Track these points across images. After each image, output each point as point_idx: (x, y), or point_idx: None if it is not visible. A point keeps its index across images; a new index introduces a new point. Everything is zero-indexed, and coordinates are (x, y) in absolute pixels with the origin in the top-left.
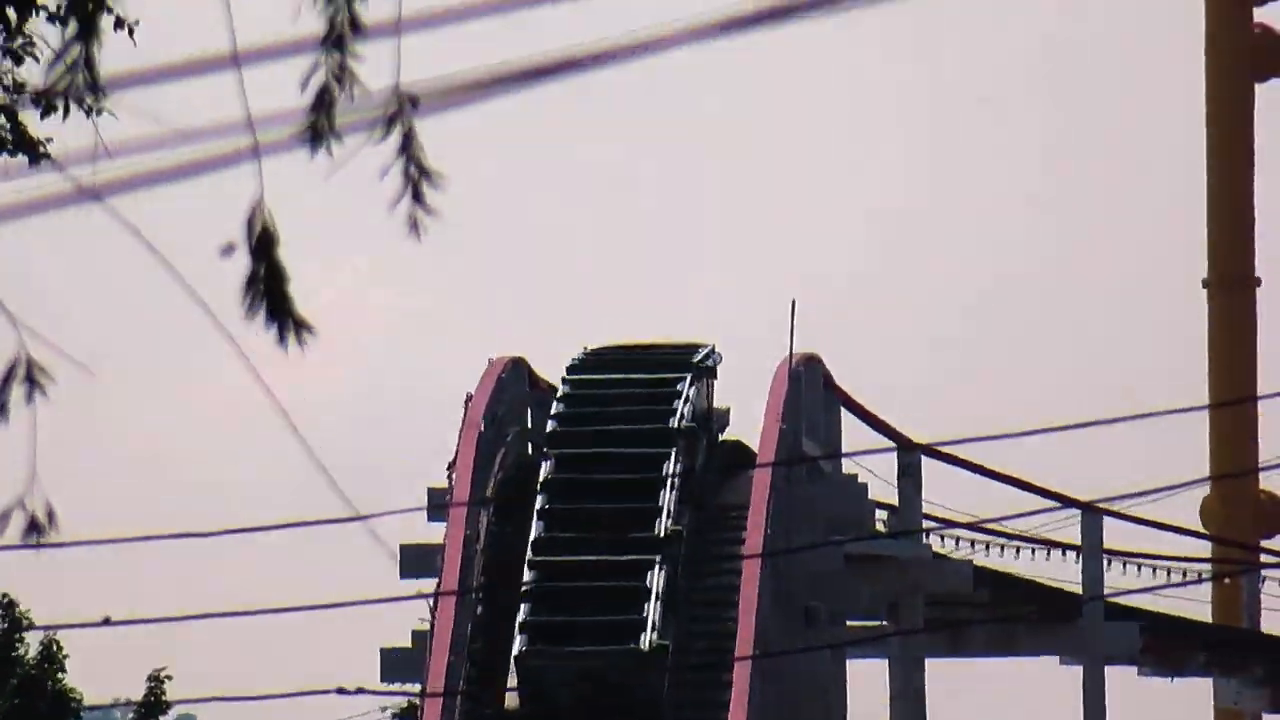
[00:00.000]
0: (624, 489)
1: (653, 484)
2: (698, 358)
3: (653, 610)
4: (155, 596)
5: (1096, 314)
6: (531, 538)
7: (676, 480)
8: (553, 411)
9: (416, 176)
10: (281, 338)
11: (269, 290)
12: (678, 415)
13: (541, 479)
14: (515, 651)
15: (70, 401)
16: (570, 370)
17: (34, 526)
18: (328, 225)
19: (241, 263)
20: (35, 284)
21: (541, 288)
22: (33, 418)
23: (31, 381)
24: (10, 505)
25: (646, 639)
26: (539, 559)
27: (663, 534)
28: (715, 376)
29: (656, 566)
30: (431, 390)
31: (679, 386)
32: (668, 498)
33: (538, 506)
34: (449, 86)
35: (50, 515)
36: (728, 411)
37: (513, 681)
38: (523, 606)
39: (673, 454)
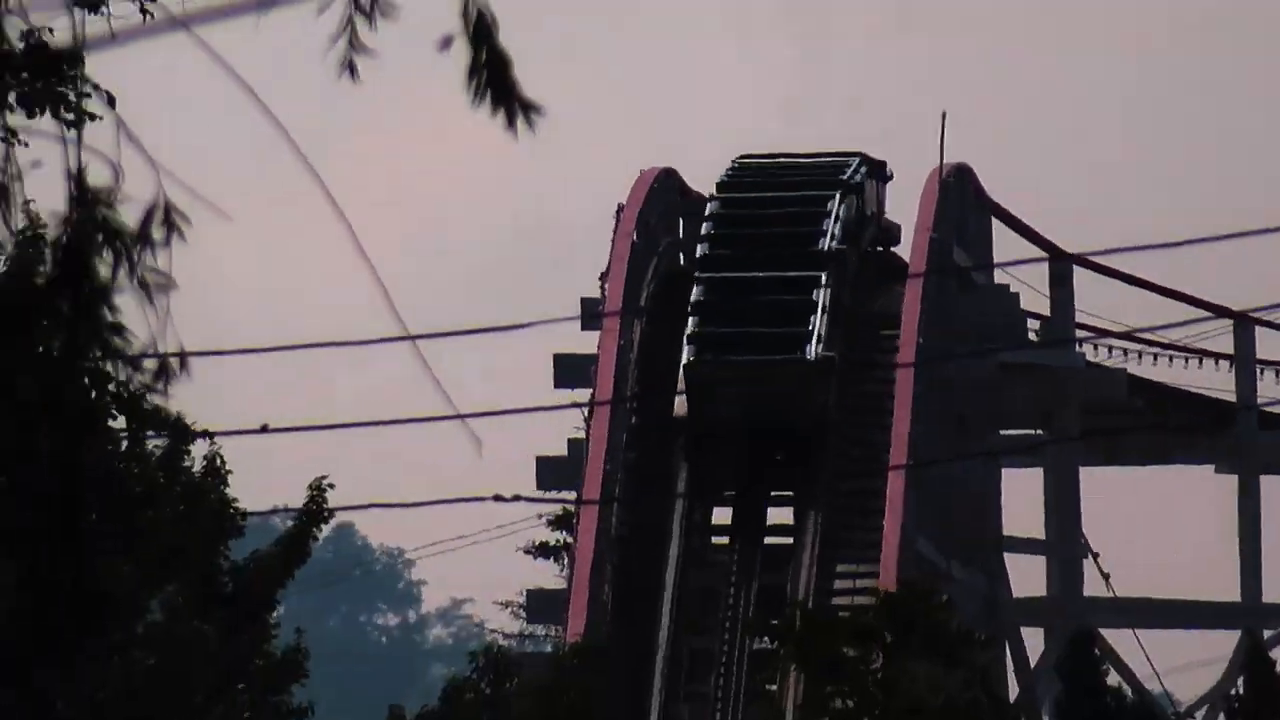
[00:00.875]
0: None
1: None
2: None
3: (819, 323)
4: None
5: (1252, 124)
6: (697, 254)
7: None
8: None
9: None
10: (510, 121)
11: (492, 76)
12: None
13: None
14: (683, 360)
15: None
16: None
17: (163, 370)
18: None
19: (459, 52)
20: (133, 113)
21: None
22: (169, 259)
23: (170, 225)
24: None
25: (813, 349)
26: (706, 275)
27: (827, 249)
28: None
29: (822, 284)
30: (584, 200)
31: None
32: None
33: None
34: None
35: (183, 359)
36: (896, 227)
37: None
38: (690, 320)
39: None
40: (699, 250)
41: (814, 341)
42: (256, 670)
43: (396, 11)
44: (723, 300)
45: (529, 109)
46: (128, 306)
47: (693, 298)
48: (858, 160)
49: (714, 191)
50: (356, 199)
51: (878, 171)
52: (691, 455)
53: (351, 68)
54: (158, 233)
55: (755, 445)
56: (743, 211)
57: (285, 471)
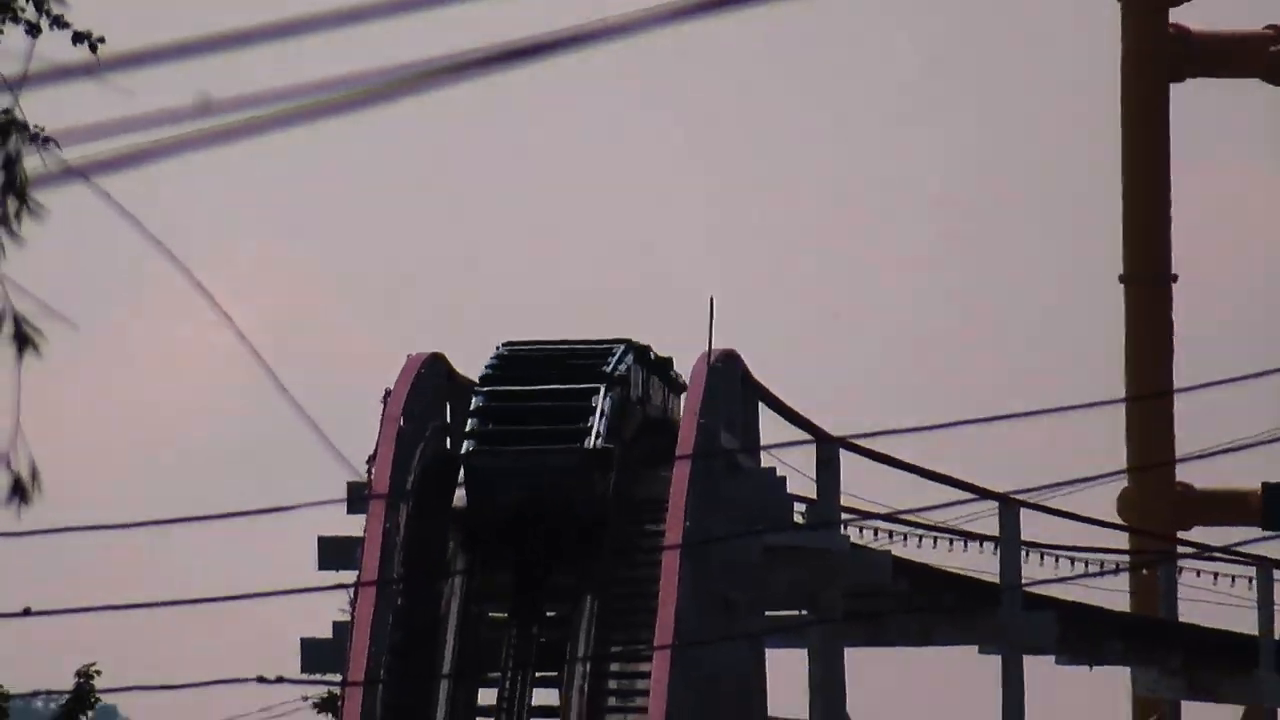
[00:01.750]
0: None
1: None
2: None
3: (599, 421)
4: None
5: (1014, 309)
6: (464, 447)
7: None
8: (468, 427)
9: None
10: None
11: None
12: (593, 434)
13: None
14: (463, 451)
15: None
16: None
17: (18, 488)
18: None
19: None
20: None
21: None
22: (16, 376)
23: (21, 338)
24: None
25: (592, 440)
26: (486, 389)
27: (610, 371)
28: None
29: (602, 393)
30: (350, 382)
31: (593, 401)
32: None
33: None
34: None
35: (34, 475)
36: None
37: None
38: (470, 421)
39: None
40: (464, 445)
41: (593, 435)
42: None
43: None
44: (501, 413)
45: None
46: None
47: (468, 426)
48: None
49: (478, 384)
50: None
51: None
52: (469, 550)
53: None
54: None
55: (533, 535)
56: (508, 404)
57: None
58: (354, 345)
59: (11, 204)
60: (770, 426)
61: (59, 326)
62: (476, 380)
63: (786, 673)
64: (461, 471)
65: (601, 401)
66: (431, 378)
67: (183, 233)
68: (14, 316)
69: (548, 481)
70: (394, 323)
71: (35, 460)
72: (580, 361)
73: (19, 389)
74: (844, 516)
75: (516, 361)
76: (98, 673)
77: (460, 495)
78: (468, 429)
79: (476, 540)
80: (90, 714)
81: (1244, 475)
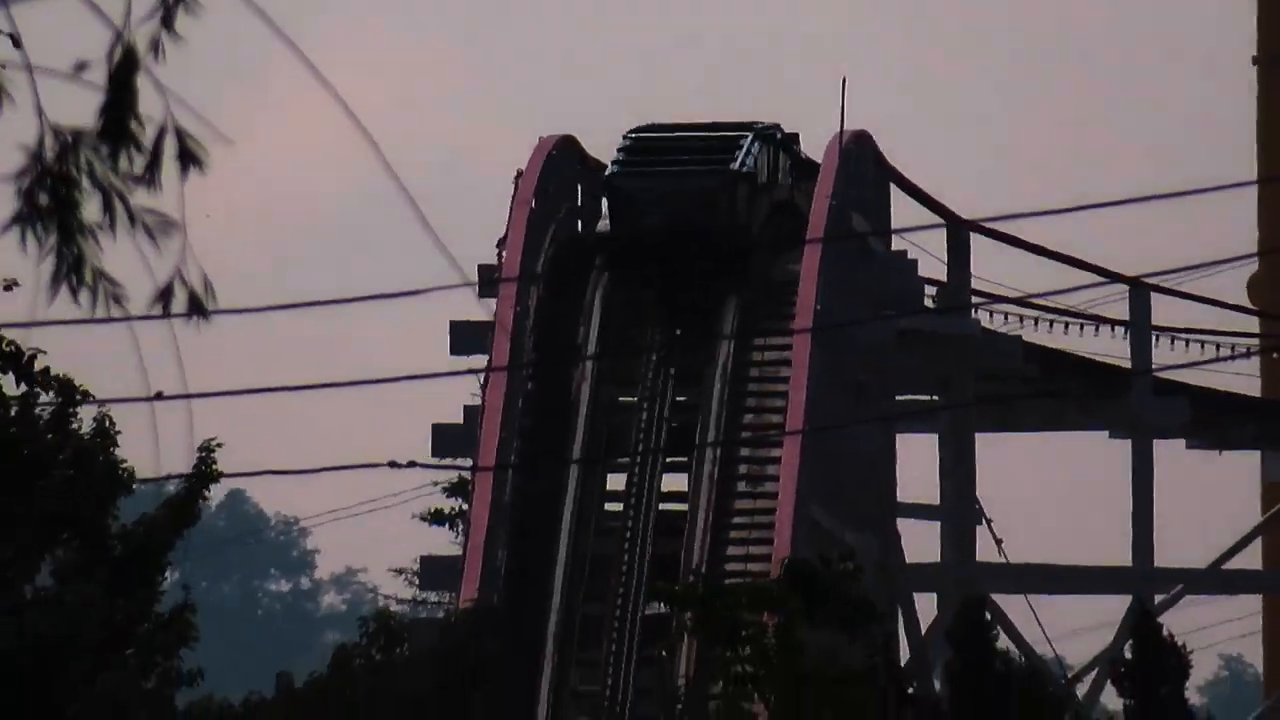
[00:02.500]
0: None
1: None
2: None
3: (746, 145)
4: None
5: (1146, 91)
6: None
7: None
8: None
9: None
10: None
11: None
12: (739, 161)
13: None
14: (606, 173)
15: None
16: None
17: (194, 303)
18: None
19: None
20: None
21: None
22: (181, 193)
23: (185, 155)
24: (170, 279)
25: (738, 160)
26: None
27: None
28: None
29: (749, 140)
30: (481, 166)
31: (741, 142)
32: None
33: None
34: None
35: (208, 288)
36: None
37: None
38: (616, 155)
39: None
40: (609, 169)
41: (741, 154)
42: (144, 633)
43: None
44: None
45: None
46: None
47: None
48: (751, 137)
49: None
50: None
51: (769, 138)
52: (612, 271)
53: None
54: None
55: (675, 258)
56: (657, 137)
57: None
58: (485, 129)
59: None
60: (903, 209)
61: (210, 135)
62: (609, 164)
63: (917, 457)
64: (606, 197)
65: (750, 143)
66: (563, 160)
67: (311, 19)
68: (176, 131)
69: (693, 205)
70: (525, 107)
71: (206, 274)
72: (718, 137)
73: (184, 205)
74: (975, 300)
75: (649, 147)
76: (219, 445)
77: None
78: (613, 159)
79: (618, 265)
80: (212, 490)
81: None
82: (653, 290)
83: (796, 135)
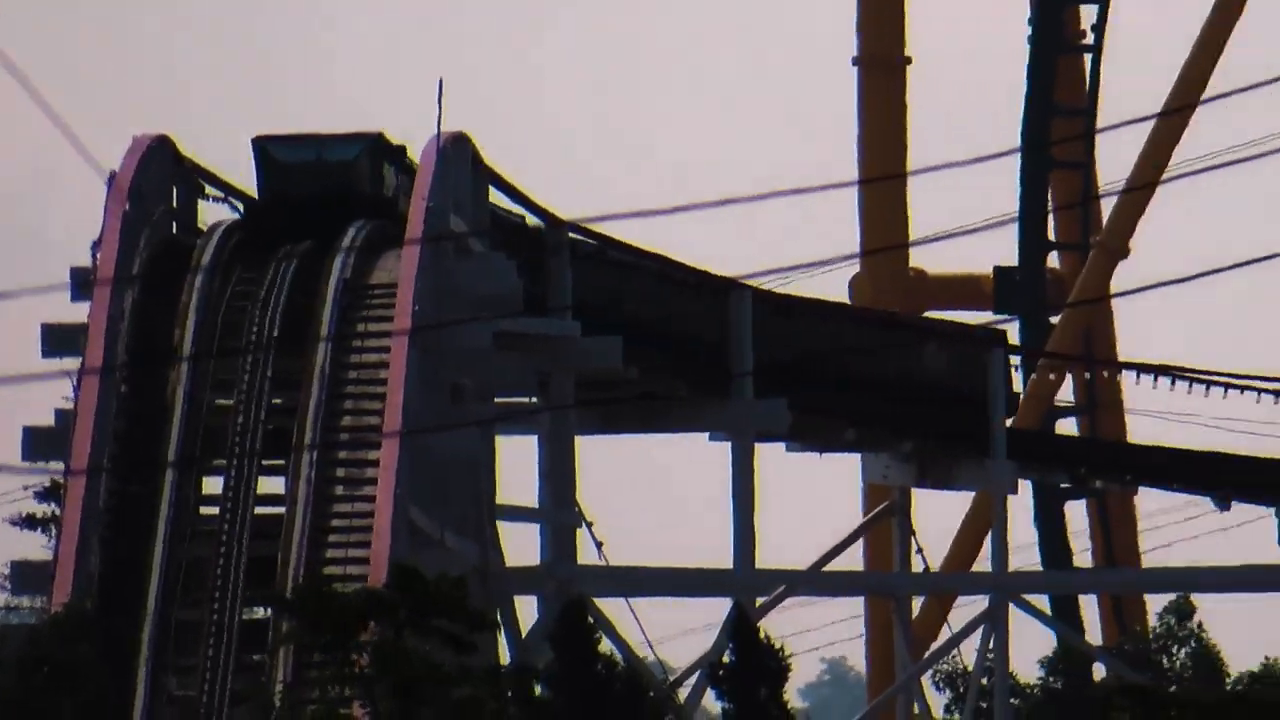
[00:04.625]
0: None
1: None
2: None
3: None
4: None
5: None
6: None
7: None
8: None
9: None
10: None
11: None
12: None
13: None
14: (254, 138)
15: None
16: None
17: None
18: None
19: None
20: None
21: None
22: None
23: None
24: None
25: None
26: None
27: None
28: (388, 157)
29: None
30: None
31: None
32: None
33: None
34: None
35: None
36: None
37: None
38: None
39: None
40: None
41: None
42: None
43: None
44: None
45: None
46: None
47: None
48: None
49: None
50: None
51: (393, 155)
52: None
53: None
54: None
55: (324, 224)
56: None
57: None
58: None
59: None
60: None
61: None
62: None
63: (518, 459)
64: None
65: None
66: (159, 160)
67: None
68: None
69: (340, 173)
70: (119, 106)
71: None
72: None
73: None
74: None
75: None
76: None
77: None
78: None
79: (265, 232)
80: None
81: (976, 259)
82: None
83: (404, 147)
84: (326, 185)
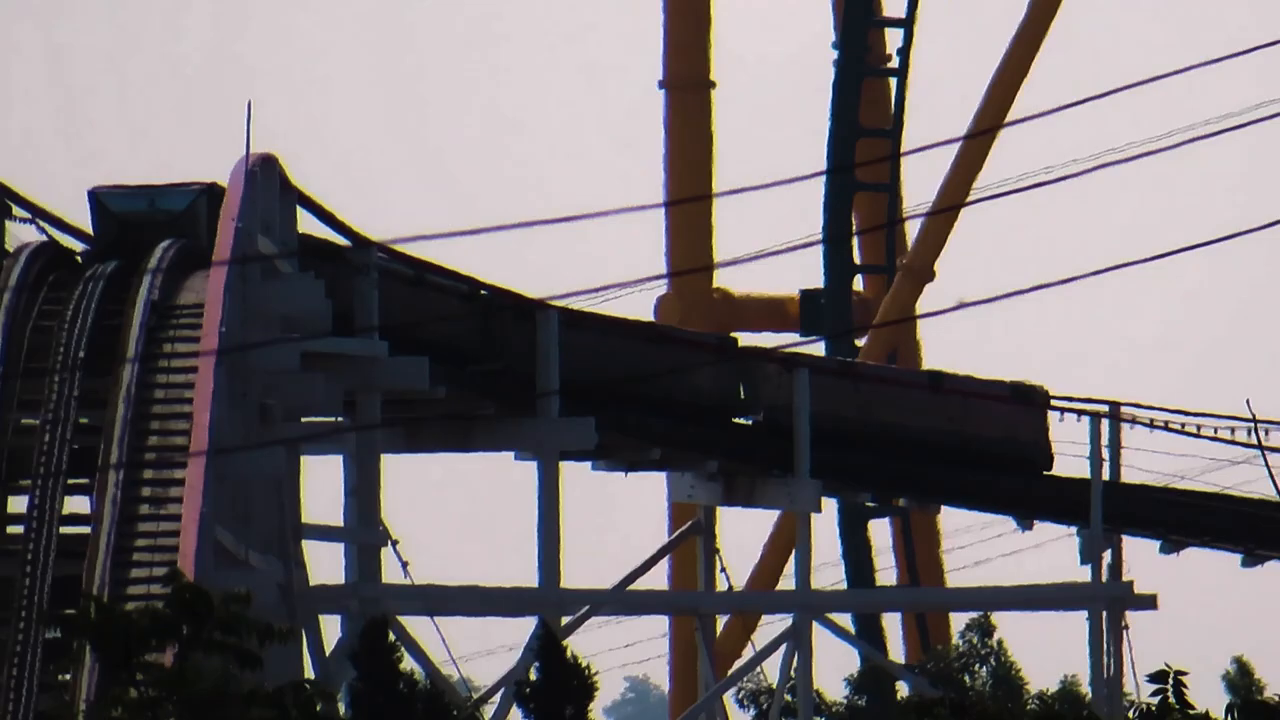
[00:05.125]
0: None
1: None
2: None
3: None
4: None
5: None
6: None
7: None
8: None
9: None
10: None
11: None
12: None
13: None
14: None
15: None
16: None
17: None
18: None
19: None
20: None
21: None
22: None
23: None
24: None
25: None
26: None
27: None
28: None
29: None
30: None
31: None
32: None
33: None
34: None
35: None
36: None
37: None
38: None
39: None
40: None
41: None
42: None
43: None
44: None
45: None
46: None
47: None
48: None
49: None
50: None
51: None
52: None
53: None
54: None
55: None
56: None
57: None
58: None
59: None
60: (312, 231)
61: None
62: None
63: (324, 479)
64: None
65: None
66: None
67: None
68: None
69: (175, 222)
70: None
71: None
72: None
73: None
74: (380, 322)
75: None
76: None
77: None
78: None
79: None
80: None
81: (783, 281)
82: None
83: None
84: (159, 234)
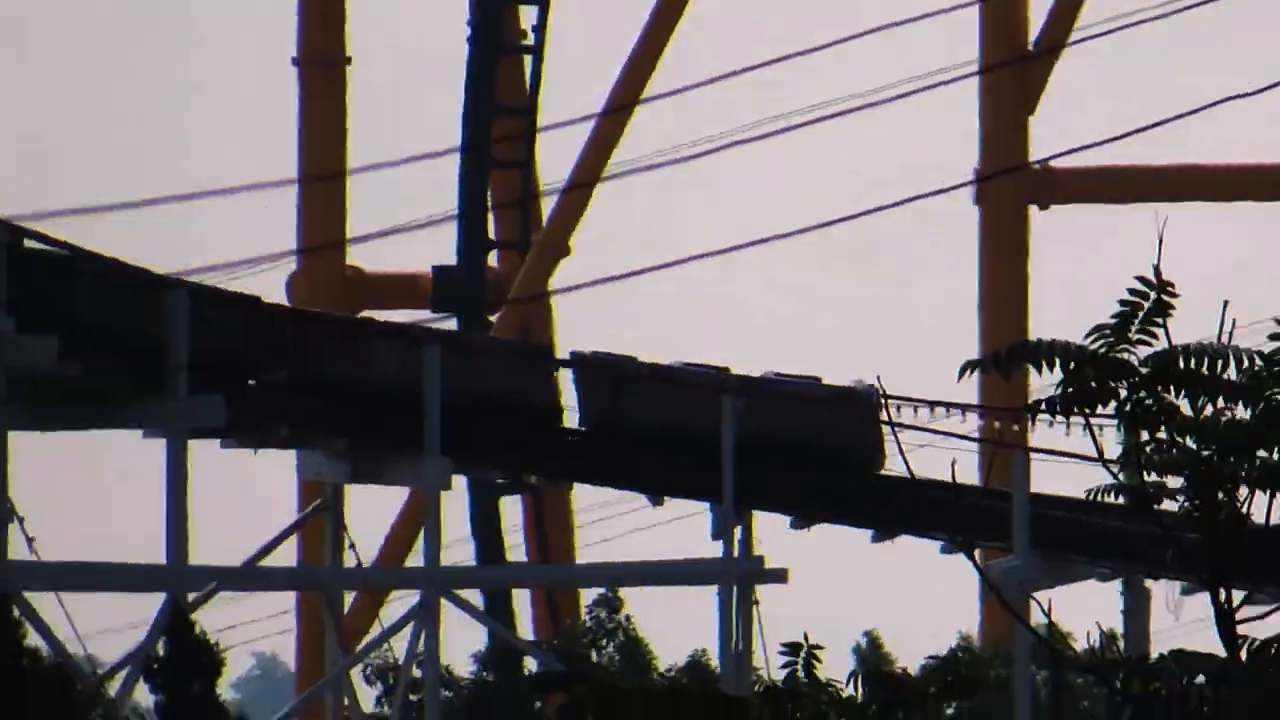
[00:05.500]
0: None
1: None
2: None
3: None
4: None
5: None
6: None
7: None
8: None
9: None
10: None
11: None
12: None
13: None
14: None
15: None
16: None
17: None
18: None
19: None
20: None
21: None
22: None
23: None
24: None
25: None
26: None
27: None
28: None
29: None
30: None
31: None
32: None
33: None
34: None
35: None
36: None
37: None
38: None
39: None
40: None
41: None
42: None
43: None
44: None
45: None
46: None
47: None
48: None
49: None
50: None
51: None
52: None
53: None
54: None
55: None
56: None
57: None
58: None
59: None
60: None
61: None
62: None
63: None
64: None
65: None
66: None
67: None
68: None
69: None
70: None
71: None
72: None
73: None
74: None
75: None
76: None
77: None
78: None
79: None
80: None
81: (417, 258)
82: None
83: None
84: None
